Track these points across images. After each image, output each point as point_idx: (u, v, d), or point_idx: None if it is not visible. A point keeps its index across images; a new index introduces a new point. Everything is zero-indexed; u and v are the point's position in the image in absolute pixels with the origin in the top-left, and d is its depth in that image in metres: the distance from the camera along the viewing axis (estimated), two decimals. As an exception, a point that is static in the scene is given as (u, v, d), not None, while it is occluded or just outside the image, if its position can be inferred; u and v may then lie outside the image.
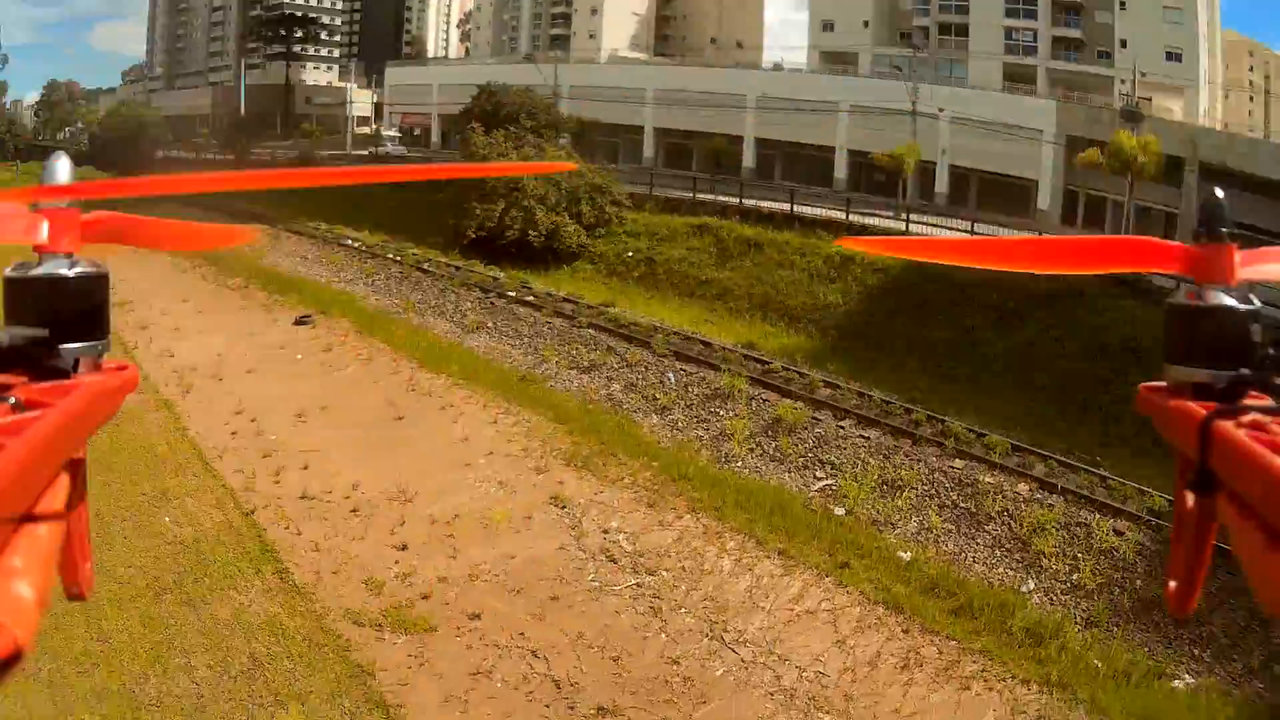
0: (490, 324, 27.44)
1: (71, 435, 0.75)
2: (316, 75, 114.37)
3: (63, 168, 0.95)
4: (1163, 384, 0.91)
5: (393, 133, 70.36)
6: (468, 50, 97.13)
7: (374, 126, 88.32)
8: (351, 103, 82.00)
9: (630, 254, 33.53)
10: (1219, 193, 0.95)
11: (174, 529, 15.06)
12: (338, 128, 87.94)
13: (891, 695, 11.07)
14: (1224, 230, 0.90)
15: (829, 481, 17.38)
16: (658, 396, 21.45)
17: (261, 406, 20.68)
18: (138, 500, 16.07)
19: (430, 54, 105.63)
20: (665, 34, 76.48)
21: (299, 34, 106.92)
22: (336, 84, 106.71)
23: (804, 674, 11.43)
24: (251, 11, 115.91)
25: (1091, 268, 1.01)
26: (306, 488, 16.51)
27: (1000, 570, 14.54)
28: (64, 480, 0.76)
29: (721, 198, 35.81)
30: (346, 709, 10.58)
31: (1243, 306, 0.87)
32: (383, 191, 40.64)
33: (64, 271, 0.88)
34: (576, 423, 19.62)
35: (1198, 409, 0.79)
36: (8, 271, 0.87)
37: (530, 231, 33.14)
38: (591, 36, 73.45)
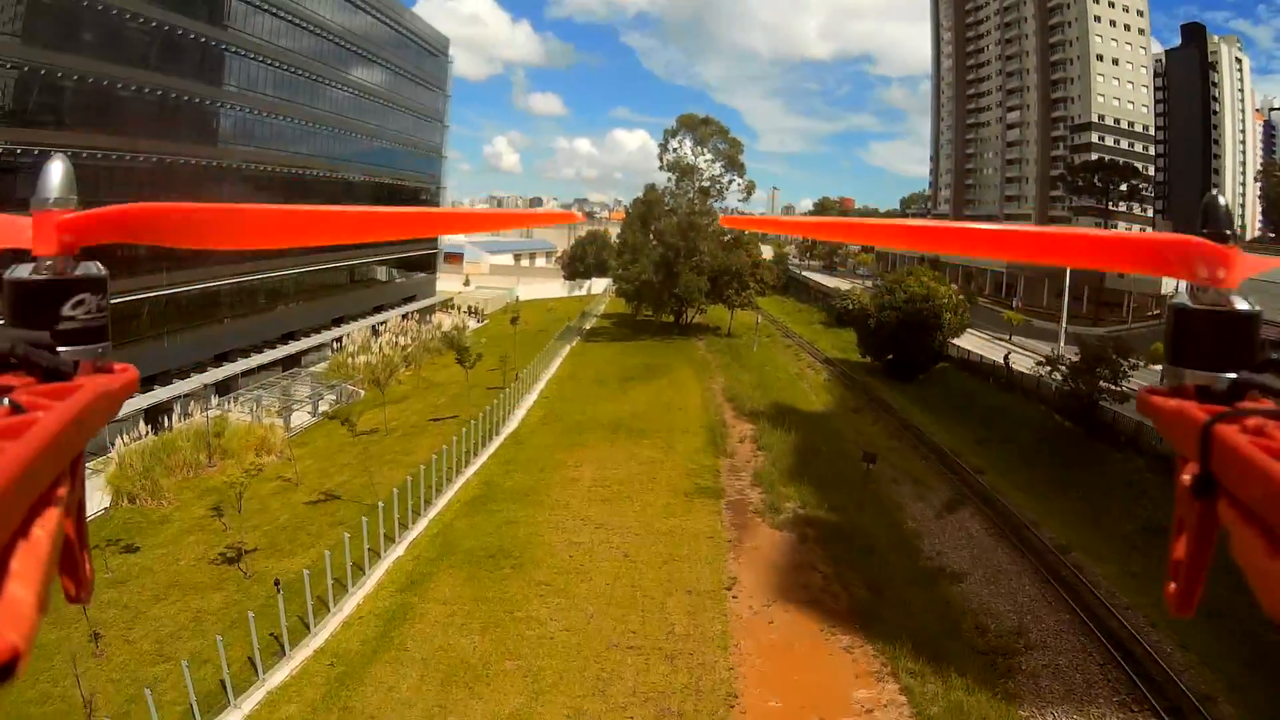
0: None
1: (71, 438, 0.74)
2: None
3: (56, 174, 0.93)
4: (1163, 385, 0.91)
5: None
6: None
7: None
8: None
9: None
10: (1220, 196, 0.97)
11: None
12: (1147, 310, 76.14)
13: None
14: (1225, 232, 0.91)
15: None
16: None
17: None
18: None
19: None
20: None
21: (1122, 187, 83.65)
22: None
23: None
24: (1054, 152, 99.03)
25: (1090, 264, 1.02)
26: None
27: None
28: (64, 482, 0.76)
29: None
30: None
31: (1244, 309, 0.89)
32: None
33: (63, 274, 0.89)
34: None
35: (1199, 412, 0.80)
36: (7, 274, 0.89)
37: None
38: None
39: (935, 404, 44.77)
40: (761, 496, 30.56)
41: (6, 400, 0.73)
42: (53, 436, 0.69)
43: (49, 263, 0.89)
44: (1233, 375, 0.86)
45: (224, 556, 25.99)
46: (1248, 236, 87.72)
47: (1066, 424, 38.79)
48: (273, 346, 54.34)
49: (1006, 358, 47.60)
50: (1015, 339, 63.38)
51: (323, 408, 48.55)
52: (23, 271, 0.89)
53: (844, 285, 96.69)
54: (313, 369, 57.12)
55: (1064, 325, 57.47)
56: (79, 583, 0.86)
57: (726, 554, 25.61)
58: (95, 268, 0.92)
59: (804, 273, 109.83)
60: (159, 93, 42.99)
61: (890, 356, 52.51)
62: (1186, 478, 0.80)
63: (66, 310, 0.88)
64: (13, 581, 0.62)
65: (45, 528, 0.69)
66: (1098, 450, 34.89)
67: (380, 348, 60.24)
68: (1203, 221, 0.93)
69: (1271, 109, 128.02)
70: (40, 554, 0.66)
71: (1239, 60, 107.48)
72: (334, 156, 62.79)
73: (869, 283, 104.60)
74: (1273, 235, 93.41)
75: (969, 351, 53.04)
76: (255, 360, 51.88)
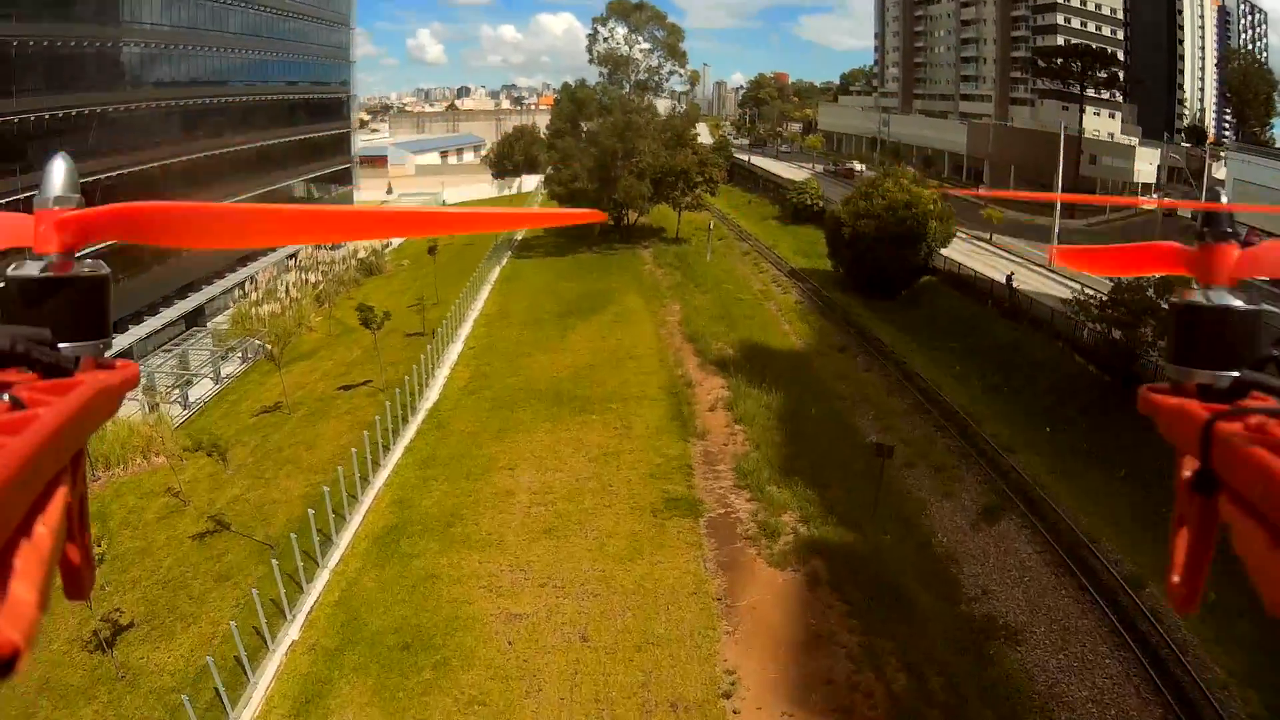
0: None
1: (72, 433, 0.74)
2: (1097, 123, 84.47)
3: (59, 172, 0.93)
4: (1165, 384, 0.93)
5: None
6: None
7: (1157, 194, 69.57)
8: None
9: None
10: (1221, 194, 0.95)
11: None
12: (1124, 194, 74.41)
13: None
14: (1226, 230, 0.93)
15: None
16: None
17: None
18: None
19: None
20: None
21: (1100, 73, 76.92)
22: (1119, 138, 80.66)
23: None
24: (1014, 33, 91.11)
25: (1114, 272, 1.10)
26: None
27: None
28: (65, 479, 0.76)
29: None
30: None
31: (1244, 306, 0.90)
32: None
33: (63, 271, 0.90)
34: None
35: (1200, 410, 0.81)
36: (8, 271, 0.90)
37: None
38: None
39: (931, 336, 38.35)
40: (750, 506, 23.95)
41: (7, 396, 0.72)
42: (54, 433, 0.69)
43: (50, 260, 0.89)
44: (1234, 373, 0.86)
45: (98, 637, 19.46)
46: (1209, 135, 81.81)
47: (1091, 368, 32.87)
48: (170, 304, 46.03)
49: (1009, 280, 41.14)
50: (996, 238, 57.14)
51: (229, 370, 40.77)
52: (24, 267, 0.89)
53: (795, 173, 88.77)
54: (217, 320, 48.76)
55: (1057, 225, 51.11)
56: (79, 580, 0.86)
57: (718, 625, 19.05)
58: (96, 264, 0.92)
59: (751, 160, 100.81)
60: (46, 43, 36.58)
61: (867, 270, 45.63)
62: (1188, 475, 0.81)
63: (67, 306, 0.89)
64: (14, 579, 0.61)
65: (47, 524, 0.68)
66: (1134, 409, 28.87)
67: (287, 290, 51.46)
68: (1204, 220, 0.92)
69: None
70: (41, 551, 0.66)
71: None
72: (226, 80, 53.63)
73: (819, 167, 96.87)
74: (1229, 123, 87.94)
75: (959, 264, 46.47)
76: (150, 325, 43.69)
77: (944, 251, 47.19)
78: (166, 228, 0.96)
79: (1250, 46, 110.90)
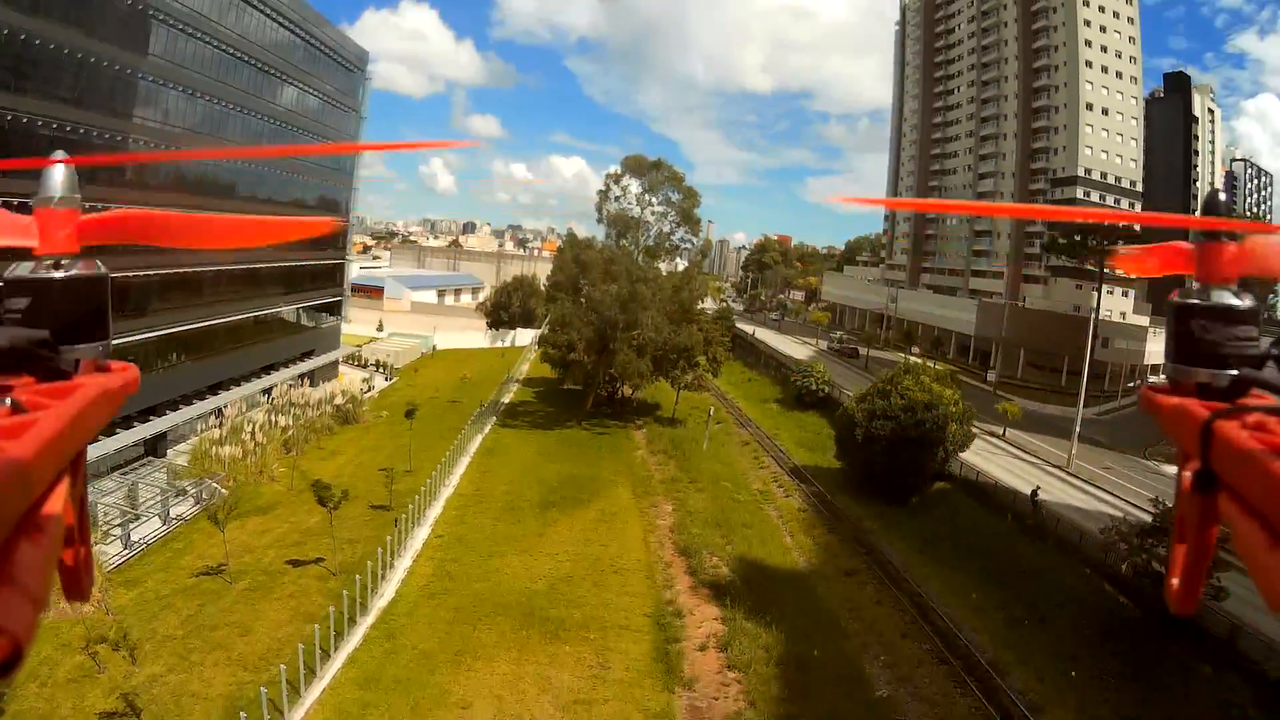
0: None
1: (72, 436, 0.74)
2: (1109, 303, 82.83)
3: (59, 173, 0.93)
4: (1165, 382, 0.92)
5: None
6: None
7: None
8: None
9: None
10: (1221, 192, 0.96)
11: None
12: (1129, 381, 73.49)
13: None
14: (1225, 229, 0.92)
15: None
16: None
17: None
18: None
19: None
20: None
21: (1118, 249, 75.18)
22: (1131, 318, 79.54)
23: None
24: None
25: (1137, 271, 1.07)
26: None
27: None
28: (65, 480, 0.75)
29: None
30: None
31: (1244, 305, 0.90)
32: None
33: (63, 273, 0.90)
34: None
35: (1200, 409, 0.81)
36: (8, 273, 0.90)
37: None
38: None
39: (948, 556, 34.62)
40: (742, 798, 19.81)
41: (8, 400, 0.72)
42: (53, 436, 0.68)
43: (49, 261, 0.89)
44: (1234, 372, 0.86)
45: None
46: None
47: (1122, 599, 29.59)
48: (130, 425, 41.69)
49: (1034, 496, 38.00)
50: (1011, 433, 54.40)
51: (179, 510, 36.77)
52: (23, 270, 0.88)
53: (797, 349, 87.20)
54: (178, 447, 45.02)
55: (1079, 420, 48.27)
56: (79, 581, 0.85)
57: None
58: (96, 266, 0.92)
59: (755, 333, 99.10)
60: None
61: (879, 474, 42.22)
62: (1187, 474, 0.81)
63: (67, 309, 0.88)
64: (15, 579, 0.61)
65: (47, 526, 0.68)
66: (1174, 656, 25.85)
67: (253, 432, 47.75)
68: (1203, 217, 0.93)
69: (1233, 159, 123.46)
70: (42, 553, 0.66)
71: (1211, 111, 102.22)
72: (222, 191, 51.17)
73: (821, 343, 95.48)
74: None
75: (976, 470, 43.40)
76: (104, 446, 38.92)
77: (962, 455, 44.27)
78: (159, 232, 0.99)
79: (1256, 210, 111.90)
